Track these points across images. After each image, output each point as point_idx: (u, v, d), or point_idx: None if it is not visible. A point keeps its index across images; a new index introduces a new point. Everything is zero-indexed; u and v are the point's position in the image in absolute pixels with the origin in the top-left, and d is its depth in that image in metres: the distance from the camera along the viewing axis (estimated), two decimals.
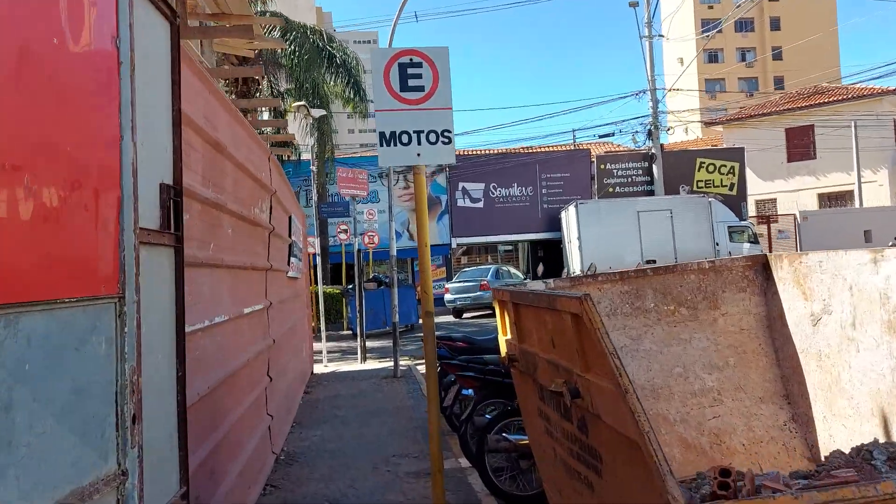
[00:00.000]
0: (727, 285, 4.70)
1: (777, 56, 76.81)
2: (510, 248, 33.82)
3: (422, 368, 13.10)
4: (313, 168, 14.46)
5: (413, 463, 5.89)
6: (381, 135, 4.11)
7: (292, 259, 8.76)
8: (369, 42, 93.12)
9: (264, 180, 5.86)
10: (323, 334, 14.39)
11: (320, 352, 14.41)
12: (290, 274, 8.54)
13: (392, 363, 13.36)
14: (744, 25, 75.07)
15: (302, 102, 13.83)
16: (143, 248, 2.09)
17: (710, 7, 75.09)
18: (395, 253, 10.88)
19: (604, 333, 2.40)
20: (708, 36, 76.74)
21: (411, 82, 4.12)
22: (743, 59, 77.63)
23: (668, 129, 30.31)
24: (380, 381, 10.44)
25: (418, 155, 4.13)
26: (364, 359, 13.84)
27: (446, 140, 4.14)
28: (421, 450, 6.24)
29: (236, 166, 4.60)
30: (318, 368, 13.36)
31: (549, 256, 31.36)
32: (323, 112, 16.75)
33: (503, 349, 4.44)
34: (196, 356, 3.48)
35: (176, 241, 2.40)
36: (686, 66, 36.04)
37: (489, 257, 33.15)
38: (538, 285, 4.73)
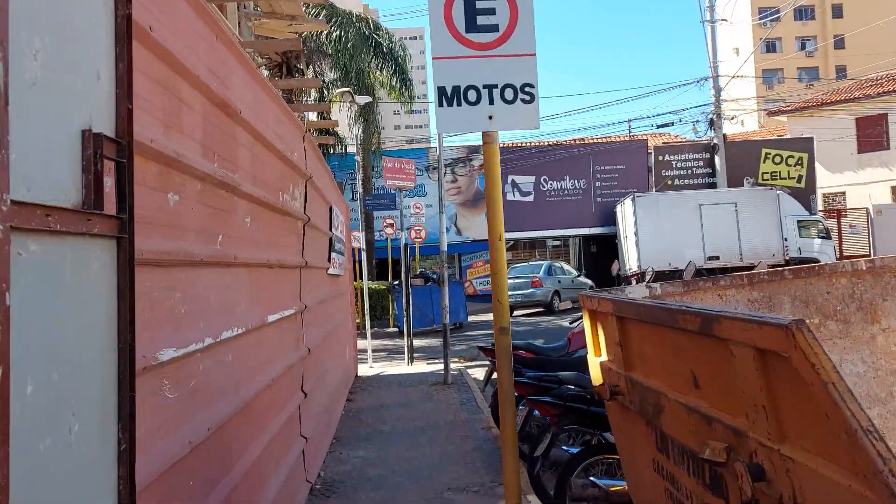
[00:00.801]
0: (890, 292, 3.59)
1: (839, 44, 73.57)
2: (558, 243, 32.49)
3: (473, 372, 12.15)
4: (358, 158, 13.59)
5: (473, 501, 4.91)
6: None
7: (333, 255, 7.87)
8: (416, 38, 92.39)
9: (297, 162, 4.95)
10: (368, 332, 13.54)
11: (365, 351, 13.56)
12: (330, 271, 7.65)
13: (441, 366, 12.46)
14: (803, 13, 72.00)
15: (347, 89, 12.96)
16: (37, 240, 1.16)
17: None
18: (445, 248, 9.93)
19: (845, 392, 1.37)
20: (766, 24, 74.21)
21: (481, 20, 3.10)
22: (803, 49, 74.60)
23: (732, 119, 28.66)
24: (429, 389, 9.50)
25: (490, 118, 3.12)
26: (411, 360, 12.95)
27: (528, 97, 3.11)
28: (482, 482, 5.26)
29: (256, 139, 3.68)
30: (363, 370, 12.51)
31: (602, 252, 30.04)
32: (368, 99, 15.90)
33: (596, 374, 3.43)
34: (191, 388, 2.56)
35: (119, 229, 1.47)
36: (750, 55, 34.12)
37: (536, 253, 31.98)
38: (640, 290, 3.69)
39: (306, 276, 5.56)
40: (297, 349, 5.06)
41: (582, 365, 6.32)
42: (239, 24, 11.42)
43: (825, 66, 72.40)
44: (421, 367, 12.57)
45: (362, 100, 13.39)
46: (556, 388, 5.03)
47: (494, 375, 7.12)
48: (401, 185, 13.24)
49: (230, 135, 3.18)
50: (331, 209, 7.69)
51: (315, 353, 5.88)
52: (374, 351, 15.27)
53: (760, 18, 67.24)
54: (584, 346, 7.61)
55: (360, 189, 13.69)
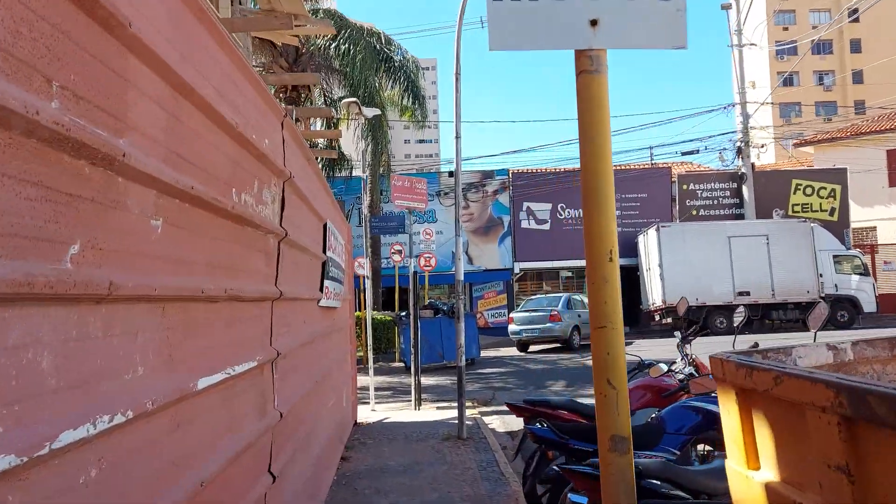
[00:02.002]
0: None
1: (857, 79, 72.67)
2: (570, 274, 30.70)
3: (490, 421, 10.58)
4: (364, 175, 12.20)
5: None
6: None
7: (328, 283, 6.43)
8: (428, 69, 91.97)
9: (269, 152, 3.53)
10: (371, 369, 12.02)
11: (367, 389, 12.04)
12: (323, 303, 6.21)
13: (453, 412, 10.94)
14: (822, 48, 71.13)
15: (354, 99, 11.63)
16: None
17: (786, 28, 71.35)
18: (461, 277, 8.48)
19: None
20: (783, 57, 73.25)
21: None
22: (820, 83, 73.72)
23: (762, 147, 27.26)
24: (441, 445, 7.98)
25: (593, 24, 1.66)
26: (419, 403, 11.42)
27: None
28: None
29: (181, 93, 2.26)
30: (364, 412, 10.99)
31: (623, 285, 28.48)
32: (377, 111, 14.56)
33: (739, 490, 1.96)
34: None
35: None
36: (781, 80, 32.73)
37: (544, 284, 30.36)
38: (819, 354, 2.21)
39: (283, 311, 4.11)
40: (264, 416, 3.59)
41: (649, 435, 4.82)
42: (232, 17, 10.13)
43: (843, 101, 71.23)
44: (430, 412, 11.03)
45: (370, 112, 12.06)
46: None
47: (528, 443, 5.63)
48: (411, 206, 11.85)
49: (109, 63, 1.75)
50: (325, 227, 6.27)
51: (294, 414, 4.40)
52: (377, 389, 13.73)
53: (777, 52, 66.33)
54: (645, 407, 6.09)
55: (366, 211, 12.28)
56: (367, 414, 11.06)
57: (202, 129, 2.53)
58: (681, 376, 5.78)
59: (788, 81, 73.83)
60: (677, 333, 6.44)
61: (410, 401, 11.76)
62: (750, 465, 1.99)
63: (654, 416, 5.31)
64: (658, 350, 17.96)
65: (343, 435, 7.96)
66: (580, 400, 5.80)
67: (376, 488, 6.17)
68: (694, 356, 6.10)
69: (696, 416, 4.84)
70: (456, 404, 12.34)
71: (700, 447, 5.08)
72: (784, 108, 68.53)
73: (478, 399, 12.54)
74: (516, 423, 10.03)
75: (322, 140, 19.67)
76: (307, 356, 5.32)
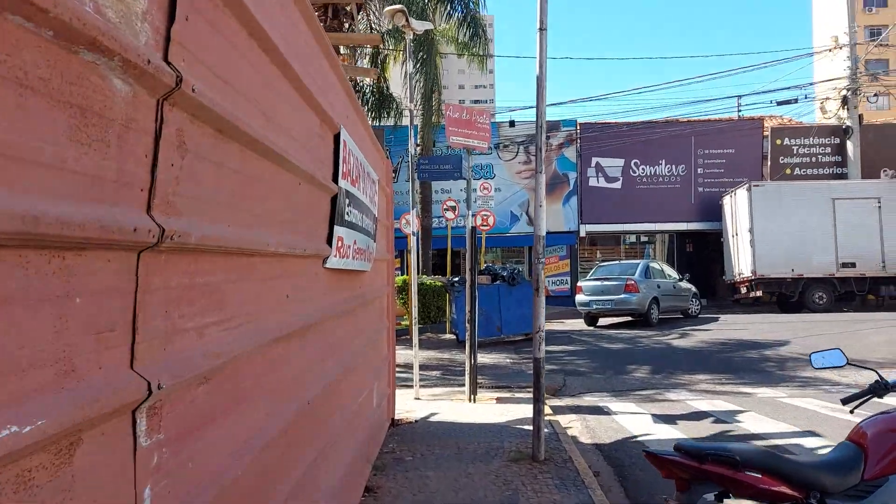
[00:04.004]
0: None
1: None
2: (633, 239, 27.27)
3: (569, 424, 8.01)
4: (410, 105, 9.67)
5: None
6: None
7: (343, 232, 4.06)
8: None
9: None
10: (415, 345, 9.67)
11: (410, 367, 9.71)
12: (335, 262, 3.83)
13: (516, 406, 8.55)
14: None
15: (400, 7, 9.09)
16: None
17: None
18: (542, 231, 5.96)
19: None
20: (871, 9, 68.05)
21: None
22: None
23: (875, 95, 23.62)
24: (509, 471, 5.57)
25: None
26: (474, 392, 9.03)
27: None
28: None
29: None
30: (405, 401, 8.72)
31: (700, 252, 25.54)
32: (429, 25, 11.94)
33: None
34: None
35: None
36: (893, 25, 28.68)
37: (617, 250, 27.45)
38: None
39: (184, 276, 1.69)
40: None
41: None
42: None
43: None
44: (488, 406, 8.66)
45: (420, 25, 9.50)
46: None
47: None
48: (470, 143, 9.34)
49: None
50: (338, 139, 3.86)
51: (290, 440, 2.02)
52: (424, 367, 11.44)
53: (865, 3, 60.98)
54: None
55: (413, 150, 9.79)
56: (409, 404, 8.77)
57: None
58: None
59: (876, 34, 68.15)
60: None
61: (463, 385, 9.42)
62: None
63: None
64: (780, 330, 15.05)
65: (371, 451, 5.62)
66: (790, 458, 3.21)
67: None
68: None
69: None
70: (519, 395, 10.02)
71: None
72: (872, 65, 63.15)
73: (547, 389, 10.11)
74: (603, 429, 7.58)
75: (369, 80, 17.18)
76: (298, 356, 2.95)
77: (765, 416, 7.71)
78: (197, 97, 1.64)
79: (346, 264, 4.24)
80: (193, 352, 1.77)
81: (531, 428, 6.17)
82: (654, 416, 8.02)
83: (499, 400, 9.09)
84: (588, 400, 9.30)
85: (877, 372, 3.28)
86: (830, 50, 22.60)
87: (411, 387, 9.54)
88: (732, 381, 10.42)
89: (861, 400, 3.36)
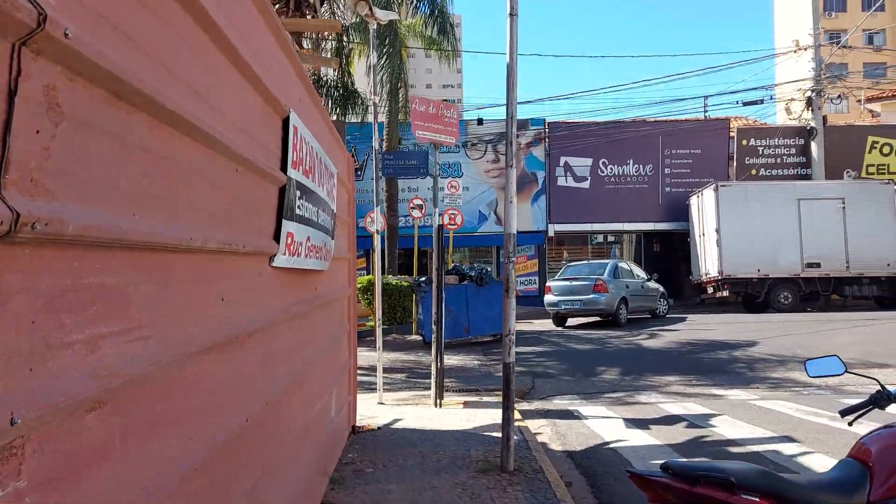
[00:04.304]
0: None
1: None
2: (601, 238, 26.98)
3: (538, 429, 7.66)
4: (374, 97, 9.30)
5: None
6: None
7: (294, 227, 3.70)
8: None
9: None
10: (379, 346, 9.31)
11: (374, 369, 9.33)
12: (283, 261, 3.48)
13: (484, 411, 8.23)
14: (870, 3, 66.55)
15: None
16: None
17: None
18: (513, 230, 5.64)
19: None
20: (831, 14, 69.29)
21: None
22: (870, 42, 69.28)
23: (839, 97, 23.83)
24: (476, 483, 5.25)
25: None
26: (441, 396, 8.70)
27: None
28: None
29: None
30: (368, 406, 8.36)
31: (667, 252, 25.54)
32: (394, 15, 11.58)
33: None
34: None
35: None
36: (857, 27, 29.07)
37: (565, 251, 27.27)
38: None
39: (61, 278, 1.32)
40: None
41: None
42: None
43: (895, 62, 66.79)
44: (455, 411, 8.34)
45: (385, 15, 9.15)
46: None
47: None
48: (437, 138, 9.01)
49: None
50: (288, 123, 3.50)
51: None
52: (389, 371, 11.07)
53: (825, 8, 62.19)
54: None
55: (376, 145, 9.41)
56: (373, 409, 8.41)
57: None
58: None
59: (835, 39, 69.46)
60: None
61: (429, 389, 9.09)
62: None
63: None
64: (751, 329, 14.95)
65: (328, 463, 5.25)
66: (789, 479, 2.89)
67: None
68: None
69: None
70: (487, 399, 9.69)
71: None
72: (833, 69, 64.27)
73: (515, 389, 9.82)
74: (574, 434, 7.30)
75: (332, 72, 16.75)
76: (237, 367, 2.58)
77: (739, 420, 7.50)
78: (75, 46, 1.28)
79: (298, 263, 3.88)
80: (79, 371, 1.40)
81: (500, 435, 5.86)
82: (626, 420, 7.76)
83: (466, 404, 8.77)
84: (558, 403, 9.03)
85: (878, 381, 3.01)
86: (795, 51, 22.74)
87: (375, 390, 9.17)
88: (703, 383, 10.25)
89: (862, 412, 3.09)
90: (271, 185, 3.26)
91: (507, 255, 5.68)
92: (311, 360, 4.61)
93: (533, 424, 7.72)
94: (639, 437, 6.88)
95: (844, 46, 24.47)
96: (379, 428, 7.36)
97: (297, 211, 3.74)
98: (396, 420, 7.78)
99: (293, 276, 3.93)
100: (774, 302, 20.32)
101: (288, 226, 3.55)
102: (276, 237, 3.40)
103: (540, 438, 7.04)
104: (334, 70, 14.74)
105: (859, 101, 25.01)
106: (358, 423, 7.46)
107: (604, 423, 7.64)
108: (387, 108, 18.32)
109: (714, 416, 7.82)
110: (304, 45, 16.83)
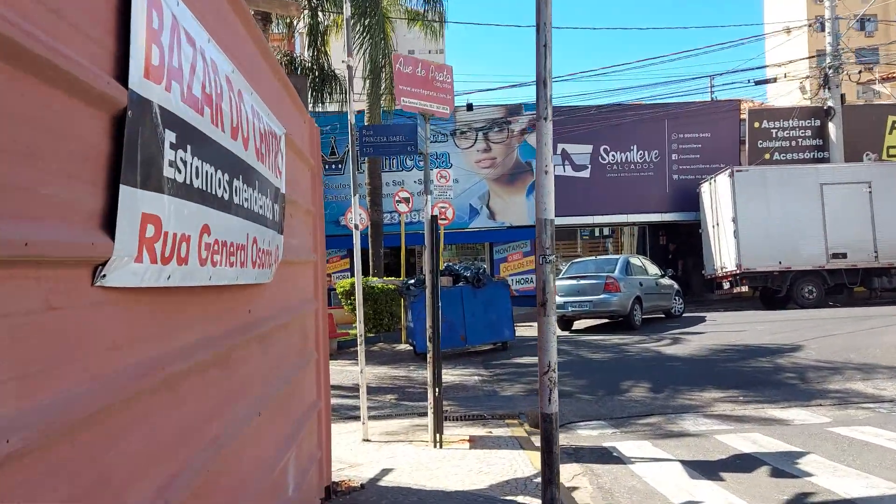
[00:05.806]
0: None
1: None
2: (596, 232, 25.08)
3: (577, 487, 5.54)
4: (348, 60, 7.45)
5: None
6: None
7: (170, 202, 1.75)
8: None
9: None
10: (362, 363, 7.48)
11: (357, 389, 7.44)
12: (136, 274, 1.56)
13: (496, 454, 6.39)
14: None
15: None
16: None
17: None
18: (550, 216, 3.83)
19: None
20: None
21: None
22: (862, 28, 68.30)
23: (859, 73, 22.15)
24: None
25: None
26: (440, 431, 6.84)
27: None
28: None
29: None
30: (350, 448, 6.53)
31: (676, 245, 23.81)
32: None
33: None
34: None
35: None
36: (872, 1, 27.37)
37: (579, 244, 25.51)
38: None
39: None
40: None
41: None
42: None
43: (886, 48, 65.76)
44: (460, 451, 6.50)
45: None
46: None
47: None
48: (426, 108, 7.18)
49: None
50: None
51: None
52: (373, 391, 9.25)
53: None
54: None
55: (351, 118, 7.55)
56: (356, 449, 6.60)
57: None
58: None
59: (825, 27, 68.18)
60: None
61: (424, 413, 7.30)
62: None
63: None
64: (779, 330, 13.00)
65: None
66: None
67: None
68: None
69: None
70: (497, 431, 7.77)
71: None
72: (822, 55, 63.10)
73: (529, 416, 8.02)
74: (624, 491, 5.41)
75: (306, 52, 14.84)
76: None
77: (836, 463, 5.70)
78: None
79: (189, 277, 2.01)
80: None
81: (525, 500, 4.05)
82: (683, 463, 5.95)
83: (472, 442, 6.93)
84: (586, 436, 7.22)
85: None
86: (810, 24, 21.05)
87: (358, 418, 7.35)
88: (752, 399, 8.49)
89: None
90: (88, 106, 1.41)
91: (541, 250, 3.84)
92: (242, 424, 2.76)
93: (564, 472, 5.87)
94: (716, 497, 5.06)
95: (865, 17, 22.76)
96: (363, 486, 5.51)
97: (175, 174, 1.88)
98: (386, 471, 5.93)
99: (182, 297, 2.07)
100: (798, 297, 18.63)
101: (147, 200, 1.68)
102: (109, 224, 1.54)
103: (578, 497, 5.21)
104: (293, 16, 12.80)
105: (868, 82, 23.29)
106: (336, 479, 5.62)
107: (658, 471, 5.82)
108: (368, 91, 16.43)
109: (799, 454, 6.02)
110: (276, 31, 14.91)
